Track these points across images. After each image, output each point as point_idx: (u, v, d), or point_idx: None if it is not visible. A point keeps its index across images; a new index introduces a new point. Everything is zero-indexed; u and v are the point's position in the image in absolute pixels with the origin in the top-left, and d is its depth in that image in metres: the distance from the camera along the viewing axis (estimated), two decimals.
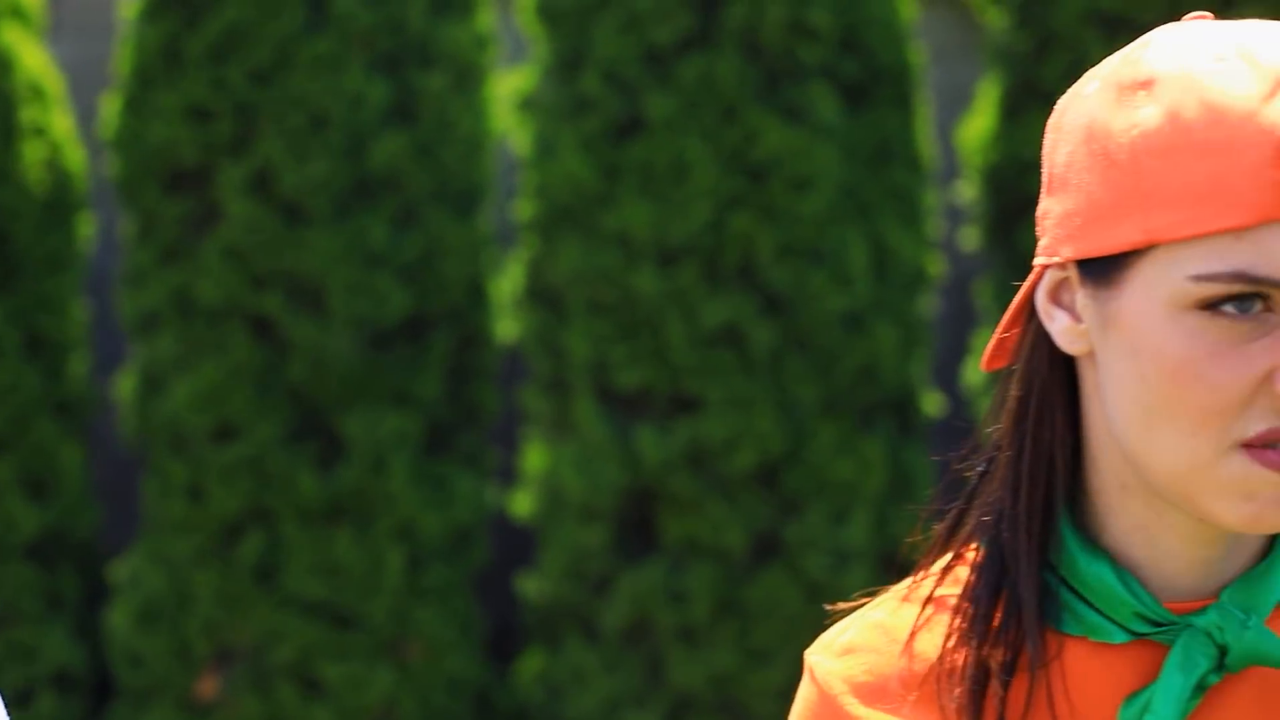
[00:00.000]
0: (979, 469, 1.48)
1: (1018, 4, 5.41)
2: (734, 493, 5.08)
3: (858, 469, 5.13)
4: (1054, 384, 1.44)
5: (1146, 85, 1.38)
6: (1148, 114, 1.37)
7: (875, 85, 5.31)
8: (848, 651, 1.49)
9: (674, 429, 5.08)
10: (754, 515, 5.09)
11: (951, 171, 6.02)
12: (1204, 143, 1.34)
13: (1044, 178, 1.45)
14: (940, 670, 1.45)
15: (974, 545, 1.49)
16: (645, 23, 5.13)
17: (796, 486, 5.10)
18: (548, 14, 5.23)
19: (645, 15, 5.12)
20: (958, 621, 1.45)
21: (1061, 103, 1.46)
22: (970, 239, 5.61)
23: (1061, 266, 1.42)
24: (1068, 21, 5.27)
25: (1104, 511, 1.44)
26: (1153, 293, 1.36)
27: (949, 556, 1.50)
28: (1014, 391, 1.45)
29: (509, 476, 5.64)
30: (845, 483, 5.12)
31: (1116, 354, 1.38)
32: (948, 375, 5.99)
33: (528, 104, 5.30)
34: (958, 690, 1.42)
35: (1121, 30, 5.16)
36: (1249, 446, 1.34)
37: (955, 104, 6.19)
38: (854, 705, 1.46)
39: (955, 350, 6.02)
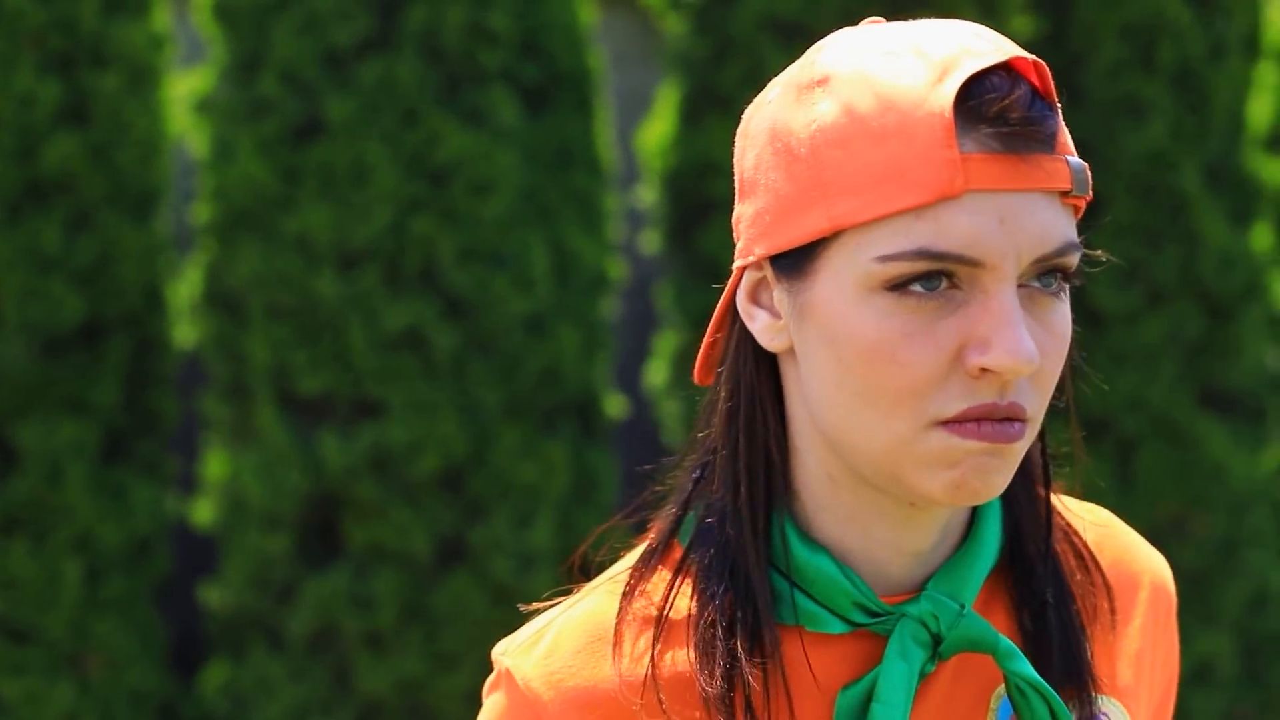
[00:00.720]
0: (694, 475, 1.49)
1: (696, 11, 5.47)
2: (418, 497, 5.07)
3: (541, 472, 5.15)
4: (761, 383, 1.47)
5: (823, 83, 1.42)
6: (825, 109, 1.41)
7: (556, 89, 5.33)
8: (551, 653, 1.46)
9: (357, 434, 5.05)
10: (438, 519, 5.08)
11: (632, 175, 6.07)
12: (879, 130, 1.38)
13: (736, 184, 1.48)
14: (670, 673, 1.44)
15: (674, 544, 1.50)
16: (324, 24, 5.09)
17: (481, 490, 5.10)
18: (224, 14, 5.16)
19: (324, 17, 5.08)
20: (693, 622, 1.44)
21: (748, 111, 1.49)
22: (651, 242, 5.67)
23: (758, 266, 1.45)
24: (745, 28, 5.35)
25: (814, 506, 1.46)
26: (842, 278, 1.39)
27: (651, 556, 1.50)
28: (723, 394, 1.48)
29: (189, 484, 5.55)
30: (529, 486, 5.13)
31: (814, 343, 1.41)
32: (629, 377, 6.04)
33: (205, 105, 5.23)
34: (711, 688, 1.42)
35: (798, 37, 5.25)
36: (948, 424, 1.37)
37: (635, 109, 6.24)
38: (564, 713, 1.44)
39: (637, 353, 6.07)
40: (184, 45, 5.70)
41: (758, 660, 1.42)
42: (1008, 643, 1.44)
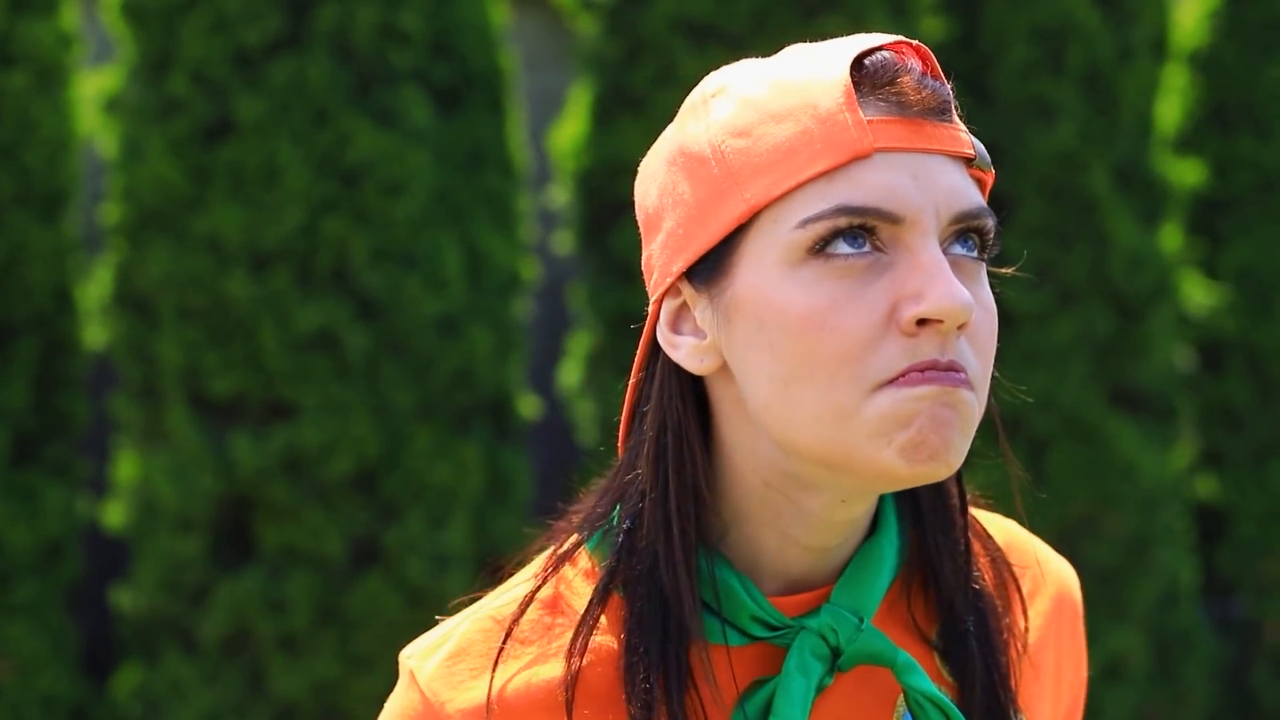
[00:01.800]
0: (624, 525, 1.45)
1: (608, 11, 5.47)
2: (332, 499, 5.05)
3: (455, 472, 5.14)
4: (688, 418, 1.44)
5: (717, 94, 1.44)
6: (722, 108, 1.42)
7: (467, 90, 5.32)
8: (455, 657, 1.45)
9: (269, 436, 5.03)
10: (352, 521, 5.06)
11: (544, 176, 6.07)
12: (780, 110, 1.39)
13: (641, 229, 1.47)
14: (595, 689, 1.42)
15: (580, 554, 1.48)
16: (234, 24, 5.06)
17: (394, 491, 5.09)
18: (133, 13, 5.13)
19: (234, 16, 5.05)
20: (621, 670, 1.42)
21: (642, 163, 1.49)
22: (564, 243, 5.67)
23: (675, 293, 1.44)
24: (656, 29, 5.35)
25: (733, 514, 1.44)
26: (765, 260, 1.38)
27: (553, 567, 1.48)
28: (650, 432, 1.44)
29: (100, 487, 5.51)
30: (443, 486, 5.12)
31: (745, 340, 1.39)
32: (543, 378, 6.03)
33: (114, 105, 5.19)
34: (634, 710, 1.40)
35: (709, 38, 5.26)
36: (893, 383, 1.35)
37: (547, 109, 6.24)
38: (463, 715, 1.43)
39: (550, 353, 6.07)
40: (93, 44, 5.66)
41: (677, 688, 1.41)
42: (906, 656, 1.43)
